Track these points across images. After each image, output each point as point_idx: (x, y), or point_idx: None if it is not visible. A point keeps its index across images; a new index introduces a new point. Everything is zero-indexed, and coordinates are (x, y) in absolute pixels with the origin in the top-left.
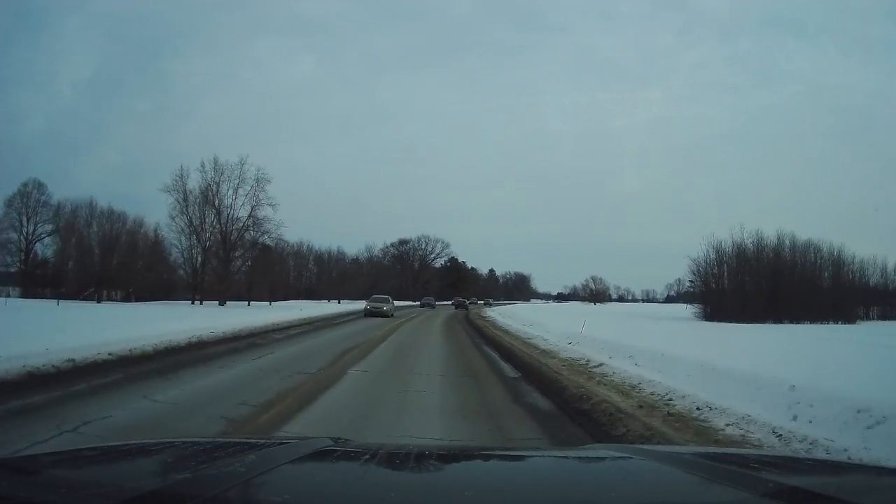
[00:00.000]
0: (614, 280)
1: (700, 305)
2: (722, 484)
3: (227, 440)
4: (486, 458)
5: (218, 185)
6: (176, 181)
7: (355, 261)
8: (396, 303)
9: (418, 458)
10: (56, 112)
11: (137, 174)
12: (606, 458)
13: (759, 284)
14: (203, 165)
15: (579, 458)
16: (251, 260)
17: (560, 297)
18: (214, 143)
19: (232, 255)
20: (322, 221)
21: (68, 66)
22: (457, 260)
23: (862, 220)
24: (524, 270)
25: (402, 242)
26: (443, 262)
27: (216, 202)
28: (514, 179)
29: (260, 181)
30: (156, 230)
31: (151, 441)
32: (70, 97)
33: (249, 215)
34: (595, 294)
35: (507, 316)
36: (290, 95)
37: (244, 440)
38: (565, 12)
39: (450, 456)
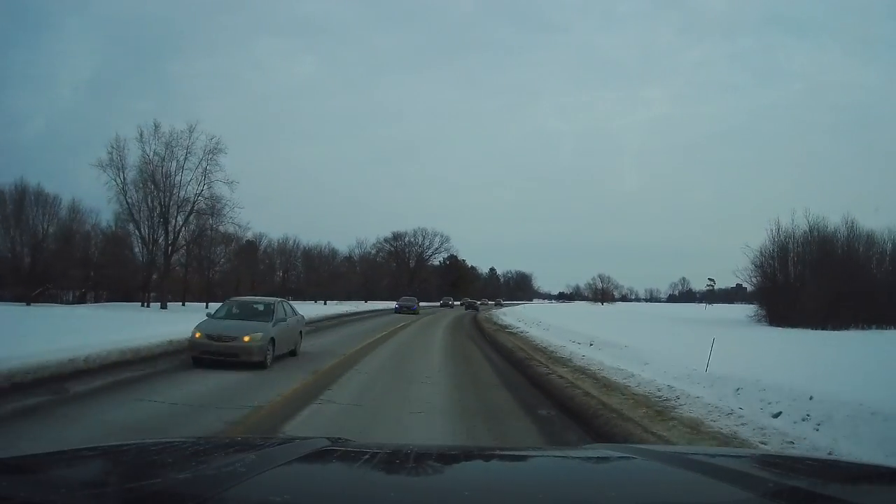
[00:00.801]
0: (617, 279)
1: (760, 306)
2: (722, 484)
3: (227, 440)
4: (486, 458)
5: (163, 159)
6: (111, 155)
7: (348, 259)
8: (366, 305)
9: (418, 459)
10: (56, 113)
11: None
12: (607, 457)
13: (842, 281)
14: (141, 134)
15: (579, 457)
16: (211, 253)
17: (562, 297)
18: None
19: (176, 246)
20: (323, 221)
21: (68, 67)
22: (456, 258)
23: (862, 221)
24: (525, 269)
25: (397, 237)
26: (441, 260)
27: (157, 179)
28: (515, 179)
29: (211, 152)
30: (116, 220)
31: (151, 441)
32: (70, 98)
33: (198, 195)
34: (602, 293)
35: (533, 323)
36: (291, 96)
37: (244, 440)
38: (566, 12)
39: (449, 456)
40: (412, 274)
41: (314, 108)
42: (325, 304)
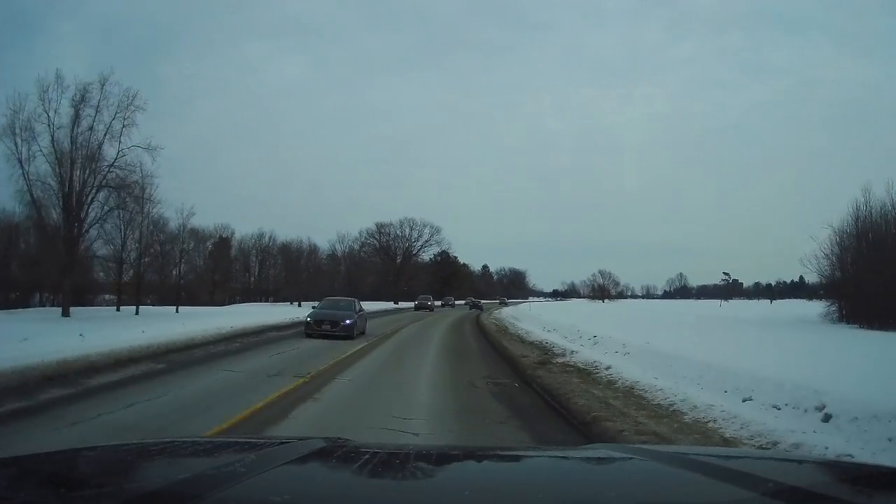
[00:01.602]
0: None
1: (834, 302)
2: (722, 484)
3: (227, 440)
4: (486, 458)
5: (74, 121)
6: (10, 117)
7: (332, 256)
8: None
9: (418, 459)
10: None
11: None
12: (606, 458)
13: None
14: (43, 88)
15: (579, 458)
16: (156, 247)
17: (557, 295)
18: (207, 145)
19: (81, 232)
20: (314, 222)
21: (60, 69)
22: (448, 253)
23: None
24: (519, 266)
25: (382, 229)
26: (432, 256)
27: (58, 146)
28: (508, 177)
29: (125, 109)
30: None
31: (151, 441)
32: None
33: (109, 165)
34: (604, 290)
35: (581, 336)
36: (282, 96)
37: (244, 440)
38: (555, 10)
39: (449, 456)
40: (399, 270)
41: (304, 109)
42: (300, 305)
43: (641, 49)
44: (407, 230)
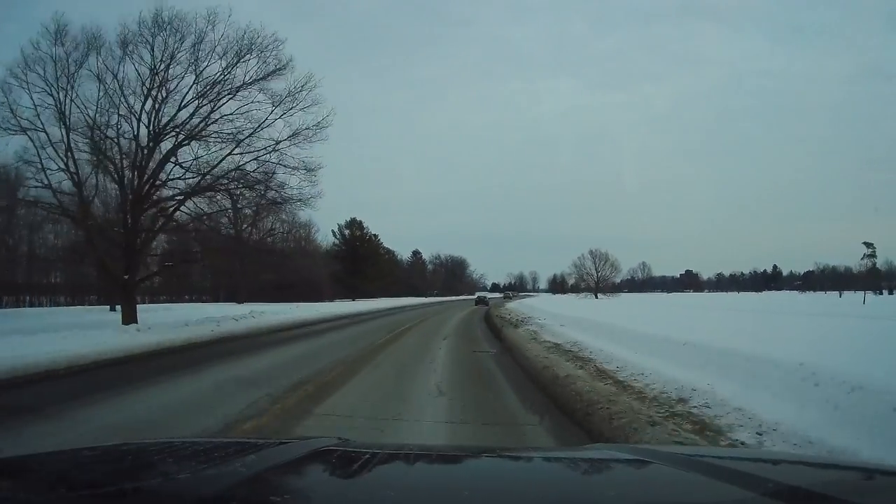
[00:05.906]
0: (545, 269)
1: None
2: (722, 484)
3: (227, 440)
4: (486, 458)
5: None
6: None
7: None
8: None
9: (418, 459)
10: None
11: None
12: (606, 458)
13: None
14: None
15: (580, 458)
16: None
17: (504, 289)
18: None
19: None
20: None
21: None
22: (361, 226)
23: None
24: (459, 254)
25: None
26: (337, 232)
27: None
28: (438, 170)
29: None
30: None
31: (151, 441)
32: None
33: None
34: (598, 283)
35: None
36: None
37: (244, 440)
38: (476, 5)
39: (450, 456)
40: (138, 197)
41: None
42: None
43: (566, 42)
44: (166, 45)
